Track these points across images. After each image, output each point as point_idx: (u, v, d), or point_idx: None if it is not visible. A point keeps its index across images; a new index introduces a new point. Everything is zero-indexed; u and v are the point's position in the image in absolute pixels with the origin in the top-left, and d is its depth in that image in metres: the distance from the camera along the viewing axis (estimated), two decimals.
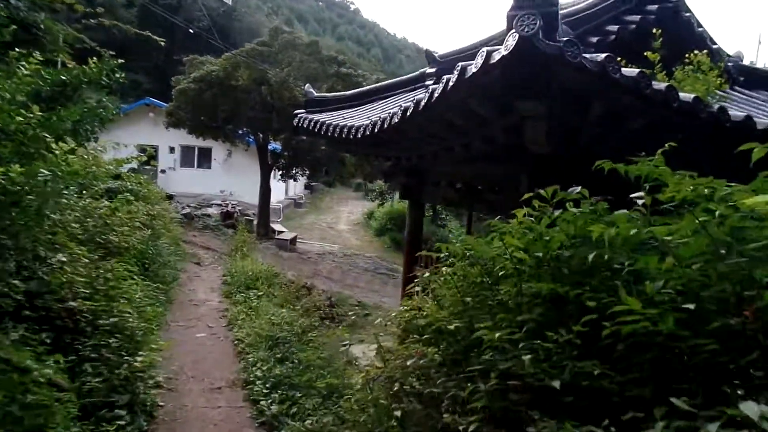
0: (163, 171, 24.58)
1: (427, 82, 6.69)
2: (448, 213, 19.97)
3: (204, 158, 24.88)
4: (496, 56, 2.88)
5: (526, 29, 2.72)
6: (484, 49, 3.00)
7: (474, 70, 3.03)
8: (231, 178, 23.44)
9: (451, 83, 3.33)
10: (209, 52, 16.63)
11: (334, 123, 6.19)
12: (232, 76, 14.87)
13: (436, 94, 3.59)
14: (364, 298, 11.24)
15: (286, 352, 6.00)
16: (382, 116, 4.75)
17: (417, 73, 6.98)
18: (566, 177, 4.37)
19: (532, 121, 3.35)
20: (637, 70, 3.07)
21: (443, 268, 2.81)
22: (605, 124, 3.51)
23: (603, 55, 2.92)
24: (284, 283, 8.85)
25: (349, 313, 9.77)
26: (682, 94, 3.25)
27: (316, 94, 7.62)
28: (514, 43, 2.73)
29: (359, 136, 5.42)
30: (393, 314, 3.86)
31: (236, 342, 6.51)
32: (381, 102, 6.82)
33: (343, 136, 5.84)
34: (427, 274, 3.15)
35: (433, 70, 6.65)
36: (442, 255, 2.79)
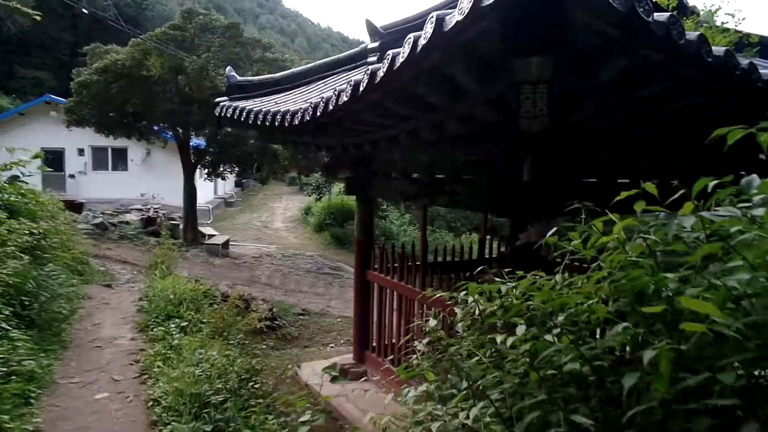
0: (72, 176, 22.21)
1: (370, 59, 5.80)
2: (389, 204, 19.27)
3: (119, 159, 22.70)
4: None
5: None
6: None
7: (459, 18, 2.17)
8: (152, 179, 21.49)
9: (422, 42, 2.45)
10: (120, 45, 14.77)
11: (264, 110, 5.17)
12: (142, 65, 13.22)
13: (400, 60, 2.71)
14: (309, 304, 10.25)
15: (221, 420, 4.39)
16: (325, 96, 3.82)
17: (357, 49, 6.07)
18: (561, 161, 3.67)
19: (532, 86, 2.56)
20: (667, 14, 2.33)
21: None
22: (616, 90, 2.79)
23: None
24: (216, 302, 7.58)
25: (295, 325, 8.77)
26: (714, 48, 2.57)
27: (239, 78, 6.53)
28: None
29: (296, 122, 4.46)
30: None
31: (150, 404, 4.71)
32: (318, 84, 5.86)
33: (276, 123, 4.84)
34: None
35: (376, 44, 5.76)
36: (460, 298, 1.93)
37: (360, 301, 6.37)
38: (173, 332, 6.04)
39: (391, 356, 5.81)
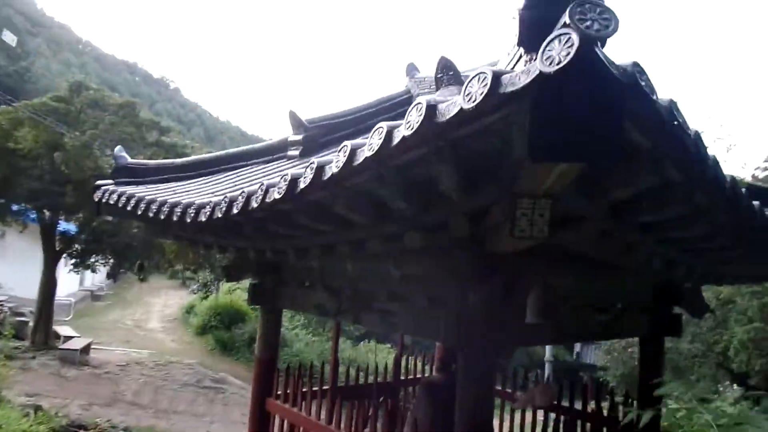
0: None
1: (291, 152, 5.21)
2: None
3: None
4: (523, 78, 1.51)
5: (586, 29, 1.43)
6: (486, 70, 1.63)
7: (476, 100, 1.60)
8: (2, 266, 18.30)
9: (411, 128, 1.85)
10: None
11: (159, 200, 4.24)
12: (9, 136, 11.47)
13: (367, 154, 2.08)
14: (187, 430, 8.52)
15: None
16: (246, 191, 3.06)
17: (277, 140, 5.46)
18: (526, 286, 3.15)
19: (533, 201, 2.03)
20: (695, 129, 1.98)
21: None
22: (618, 212, 2.36)
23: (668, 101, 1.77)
24: None
25: None
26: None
27: (130, 161, 5.55)
28: (574, 50, 1.41)
29: (201, 218, 3.60)
30: None
31: None
32: (228, 175, 5.08)
33: (174, 217, 3.93)
34: None
35: (299, 137, 5.21)
36: None
37: None
38: None
39: None
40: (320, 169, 2.42)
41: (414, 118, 1.85)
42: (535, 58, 1.66)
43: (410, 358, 6.58)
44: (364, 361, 15.15)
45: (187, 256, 14.21)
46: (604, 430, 4.29)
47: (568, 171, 1.76)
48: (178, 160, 5.91)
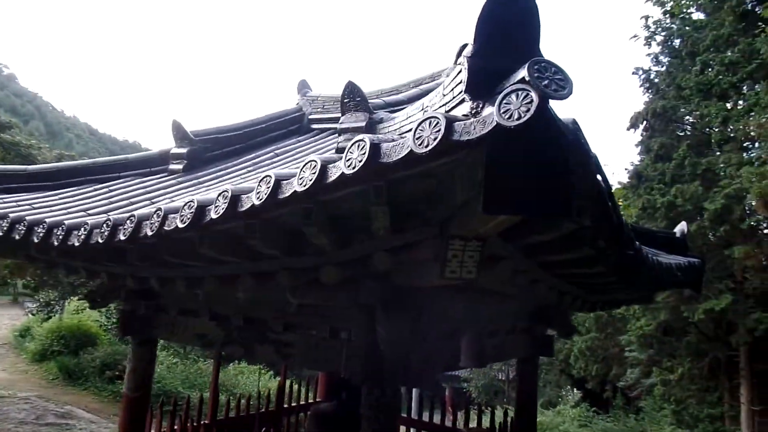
0: None
1: (173, 165, 4.79)
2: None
3: None
4: (479, 128, 1.51)
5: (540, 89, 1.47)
6: (438, 115, 1.60)
7: (429, 146, 1.55)
8: None
9: (349, 169, 1.74)
10: None
11: (12, 216, 3.60)
12: None
13: (296, 188, 1.93)
14: None
15: None
16: (138, 215, 2.71)
17: (157, 152, 4.97)
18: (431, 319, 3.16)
19: (464, 242, 2.04)
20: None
21: None
22: (532, 253, 2.48)
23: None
24: None
25: None
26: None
27: None
28: (534, 107, 1.43)
29: (74, 242, 3.11)
30: None
31: None
32: (99, 188, 4.48)
33: (35, 239, 3.36)
34: None
35: (184, 150, 4.82)
36: None
37: None
38: None
39: None
40: (236, 198, 2.22)
41: (356, 155, 1.77)
42: (483, 108, 1.69)
43: (293, 383, 6.35)
44: (233, 384, 14.32)
45: (25, 272, 12.35)
46: None
47: (508, 220, 1.80)
48: (32, 168, 5.11)
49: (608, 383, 20.02)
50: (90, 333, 16.69)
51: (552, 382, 23.66)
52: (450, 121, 1.57)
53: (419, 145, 1.61)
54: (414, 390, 16.18)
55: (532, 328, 4.85)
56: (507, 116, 1.46)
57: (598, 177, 1.89)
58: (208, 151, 4.97)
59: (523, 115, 1.43)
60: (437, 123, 1.59)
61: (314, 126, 5.40)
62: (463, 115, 1.64)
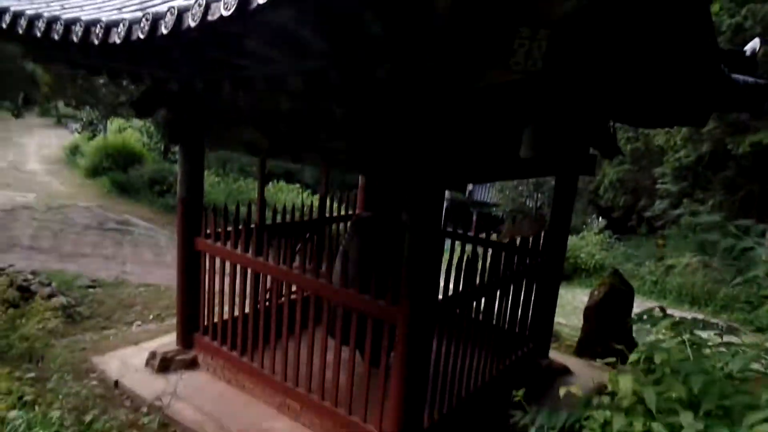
0: None
1: None
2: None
3: None
4: None
5: None
6: None
7: None
8: None
9: None
10: None
11: (47, 15, 3.48)
12: None
13: None
14: (99, 271, 8.26)
15: None
16: (179, 6, 2.57)
17: None
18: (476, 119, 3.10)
19: (533, 32, 1.89)
20: None
21: None
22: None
23: None
24: None
25: (85, 301, 6.91)
26: None
27: None
28: None
29: (115, 39, 3.03)
30: None
31: None
32: None
33: (73, 37, 3.28)
34: None
35: None
36: None
37: (186, 276, 5.16)
38: None
39: (229, 338, 4.87)
40: None
41: None
42: None
43: (334, 197, 6.64)
44: (274, 200, 15.21)
45: (65, 91, 12.52)
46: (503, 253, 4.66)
47: None
48: None
49: (635, 213, 20.48)
50: (135, 151, 17.48)
51: (579, 211, 24.38)
52: None
53: None
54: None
55: (573, 146, 4.79)
56: None
57: None
58: None
59: None
60: None
61: None
62: None
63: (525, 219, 5.60)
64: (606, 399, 1.61)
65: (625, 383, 1.41)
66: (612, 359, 1.67)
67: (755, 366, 1.53)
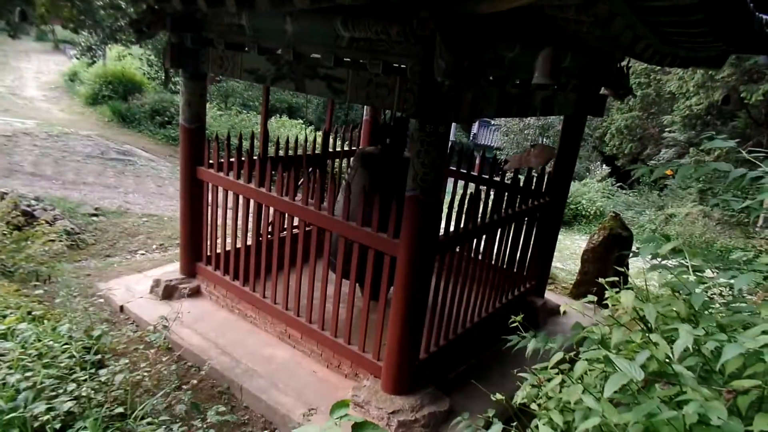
0: None
1: None
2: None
3: None
4: None
5: None
6: None
7: None
8: None
9: None
10: None
11: None
12: None
13: None
14: (102, 200, 8.27)
15: None
16: None
17: None
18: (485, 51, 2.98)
19: None
20: None
21: None
22: None
23: None
24: None
25: (88, 229, 6.97)
26: None
27: None
28: None
29: None
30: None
31: None
32: None
33: None
34: None
35: None
36: None
37: (190, 205, 5.17)
38: None
39: (231, 268, 4.95)
40: None
41: None
42: None
43: (337, 133, 6.55)
44: (276, 135, 15.04)
45: (62, 11, 12.07)
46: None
47: None
48: None
49: (639, 161, 20.32)
50: (135, 80, 17.10)
51: (583, 157, 24.16)
52: None
53: None
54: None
55: (583, 85, 4.67)
56: None
57: None
58: None
59: None
60: None
61: None
62: None
63: (536, 146, 5.47)
64: (606, 312, 1.65)
65: (627, 298, 1.43)
66: (610, 292, 1.69)
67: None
